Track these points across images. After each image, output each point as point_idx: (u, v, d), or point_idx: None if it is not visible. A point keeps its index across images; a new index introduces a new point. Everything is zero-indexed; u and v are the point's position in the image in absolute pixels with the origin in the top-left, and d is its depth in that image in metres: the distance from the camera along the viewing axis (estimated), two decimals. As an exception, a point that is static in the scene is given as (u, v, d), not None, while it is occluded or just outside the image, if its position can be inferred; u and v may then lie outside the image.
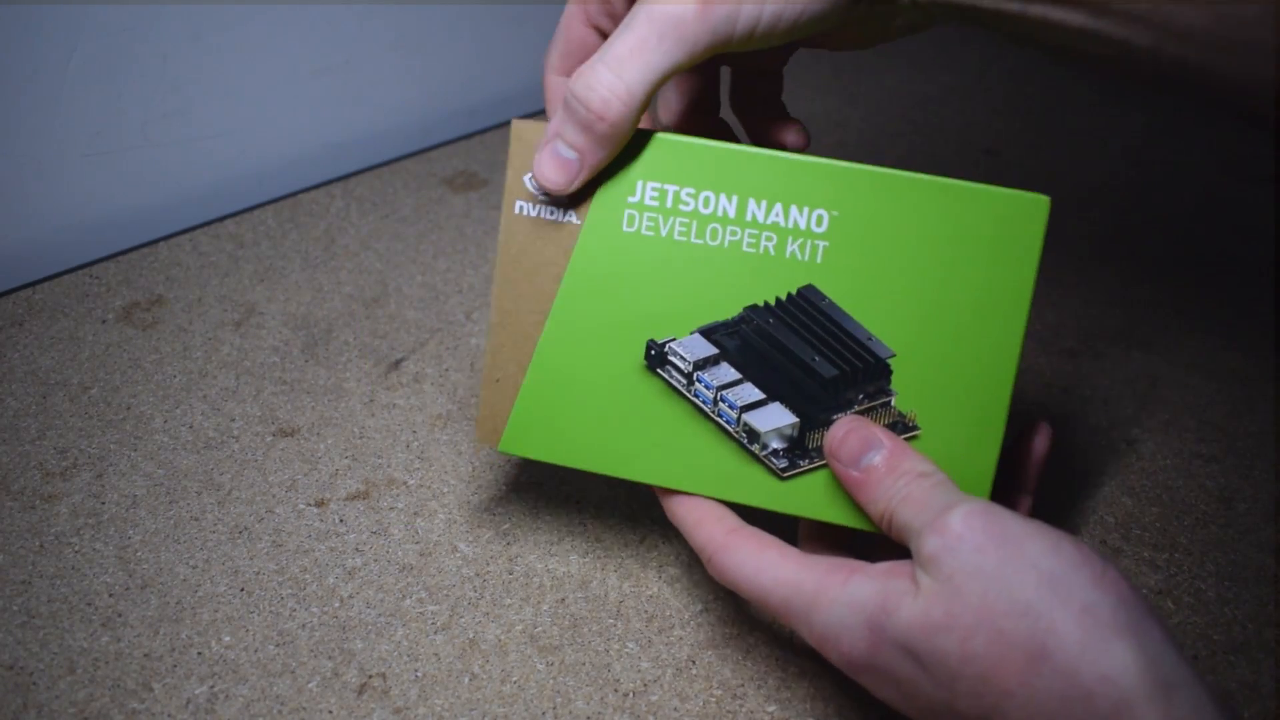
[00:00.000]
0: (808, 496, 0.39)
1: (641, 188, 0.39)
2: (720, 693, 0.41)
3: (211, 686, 0.41)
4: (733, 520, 0.39)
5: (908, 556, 0.36)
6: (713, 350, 0.39)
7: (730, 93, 0.46)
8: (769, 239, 0.38)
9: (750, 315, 0.39)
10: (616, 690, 0.41)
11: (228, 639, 0.42)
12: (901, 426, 0.39)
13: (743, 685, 0.42)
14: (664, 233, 0.39)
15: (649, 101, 0.36)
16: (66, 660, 0.41)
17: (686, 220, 0.39)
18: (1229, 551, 0.48)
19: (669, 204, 0.39)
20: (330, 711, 0.40)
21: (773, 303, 0.39)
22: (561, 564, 0.46)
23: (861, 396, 0.39)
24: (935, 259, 0.38)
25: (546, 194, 0.39)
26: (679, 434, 0.40)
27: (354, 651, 0.42)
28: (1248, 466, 0.52)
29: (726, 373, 0.39)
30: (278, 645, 0.42)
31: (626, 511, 0.48)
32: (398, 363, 0.56)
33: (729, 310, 0.39)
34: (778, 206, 0.38)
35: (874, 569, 0.36)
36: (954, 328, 0.38)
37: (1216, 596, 0.46)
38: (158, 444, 0.51)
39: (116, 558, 0.45)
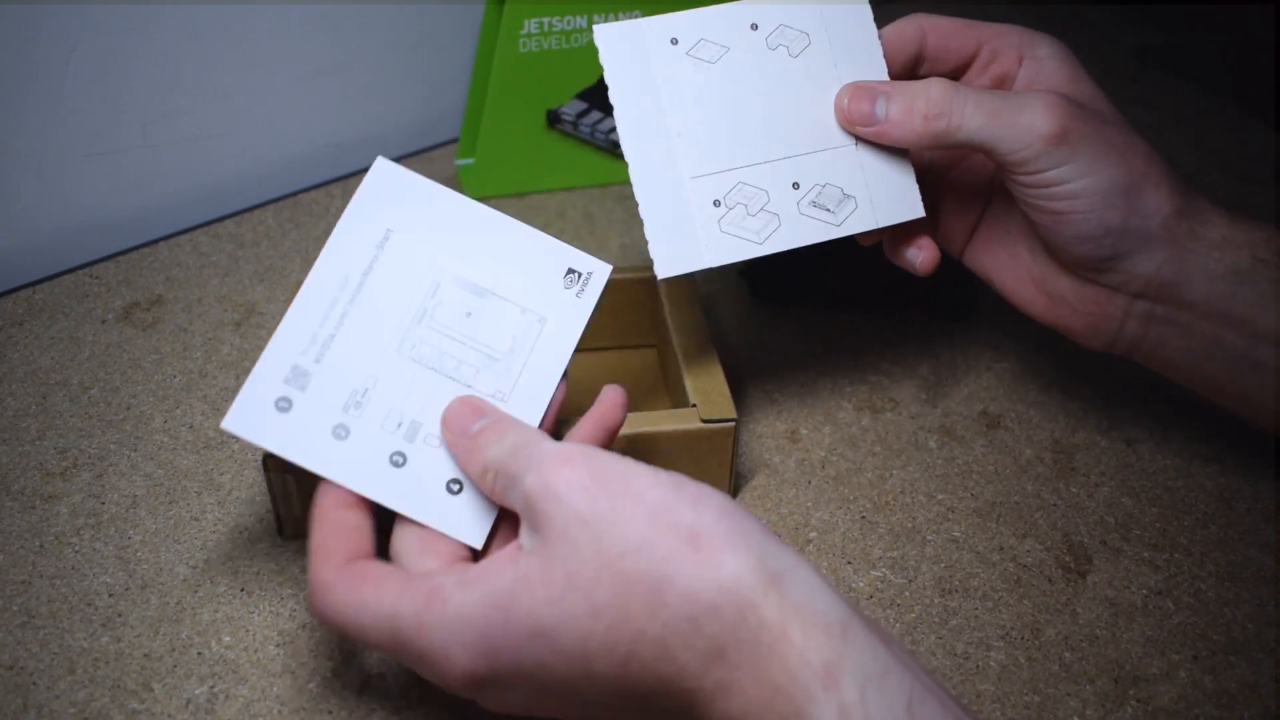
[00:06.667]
0: None
1: None
2: (720, 693, 0.41)
3: (211, 686, 0.41)
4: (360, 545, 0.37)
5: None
6: None
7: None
8: None
9: None
10: (616, 690, 0.41)
11: (228, 639, 0.42)
12: None
13: (743, 685, 0.41)
14: None
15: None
16: (66, 660, 0.41)
17: None
18: (1229, 551, 0.48)
19: None
20: (330, 711, 0.40)
21: None
22: (561, 564, 0.46)
23: None
24: None
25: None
26: None
27: (354, 651, 0.42)
28: (1248, 466, 0.52)
29: None
30: (278, 645, 0.42)
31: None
32: (398, 363, 0.56)
33: None
34: None
35: (472, 576, 0.34)
36: None
37: (1216, 596, 0.46)
38: (158, 444, 0.51)
39: (116, 558, 0.45)
